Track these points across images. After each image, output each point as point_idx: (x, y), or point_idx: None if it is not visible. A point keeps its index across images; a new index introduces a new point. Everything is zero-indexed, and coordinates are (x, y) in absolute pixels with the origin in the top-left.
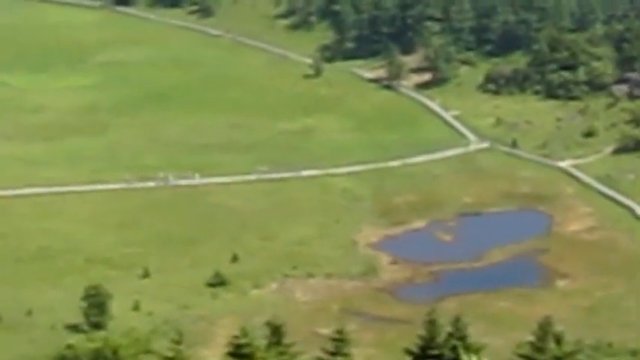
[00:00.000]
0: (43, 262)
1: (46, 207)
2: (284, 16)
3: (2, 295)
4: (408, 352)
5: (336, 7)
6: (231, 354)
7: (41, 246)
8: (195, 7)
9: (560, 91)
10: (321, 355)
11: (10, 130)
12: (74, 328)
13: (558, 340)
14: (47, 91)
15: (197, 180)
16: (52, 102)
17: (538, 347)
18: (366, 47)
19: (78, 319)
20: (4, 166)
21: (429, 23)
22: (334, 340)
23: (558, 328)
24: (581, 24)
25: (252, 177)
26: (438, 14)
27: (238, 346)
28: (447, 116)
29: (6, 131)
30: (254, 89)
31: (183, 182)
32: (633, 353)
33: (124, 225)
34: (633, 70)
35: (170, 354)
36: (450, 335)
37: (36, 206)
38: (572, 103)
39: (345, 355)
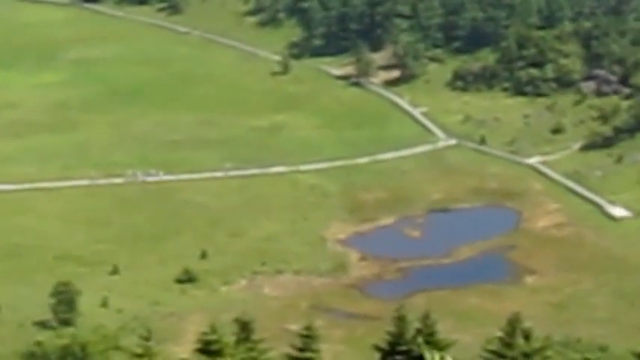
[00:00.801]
0: (12, 260)
1: (16, 204)
2: (252, 13)
3: None
4: (377, 348)
5: (304, 5)
6: (200, 350)
7: (10, 243)
8: (163, 5)
9: (528, 88)
10: (290, 351)
11: None
12: (43, 325)
13: (527, 336)
14: (17, 88)
15: (165, 177)
16: (21, 99)
17: (507, 343)
18: (334, 44)
19: (47, 315)
20: None
21: (397, 20)
22: (303, 336)
23: (527, 324)
24: (549, 21)
25: (221, 174)
26: (406, 11)
27: (207, 343)
28: (416, 113)
29: None
30: (223, 86)
31: (153, 179)
32: (602, 349)
33: (93, 222)
34: (601, 67)
35: (139, 350)
36: (419, 331)
37: (5, 203)
38: (540, 100)
39: (314, 351)
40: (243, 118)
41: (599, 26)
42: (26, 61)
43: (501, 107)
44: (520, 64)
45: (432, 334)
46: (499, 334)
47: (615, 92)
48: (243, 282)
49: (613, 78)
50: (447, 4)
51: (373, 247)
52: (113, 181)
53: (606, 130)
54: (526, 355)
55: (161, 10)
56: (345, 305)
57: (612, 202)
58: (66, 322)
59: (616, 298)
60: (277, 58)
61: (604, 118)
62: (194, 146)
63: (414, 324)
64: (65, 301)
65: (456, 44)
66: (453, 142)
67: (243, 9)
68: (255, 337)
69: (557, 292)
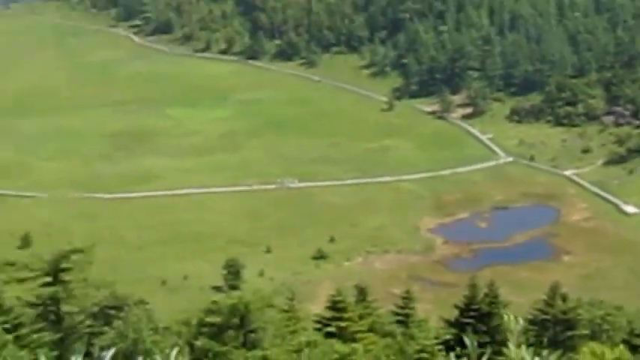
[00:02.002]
0: (196, 243)
1: (198, 204)
2: (367, 67)
3: (167, 266)
4: (456, 307)
5: (404, 60)
6: (329, 308)
7: (195, 231)
8: (303, 61)
9: (565, 121)
10: (394, 308)
11: (172, 149)
12: (217, 289)
13: (564, 299)
14: (199, 121)
15: (301, 184)
16: (202, 128)
17: (549, 304)
18: (425, 89)
19: (220, 282)
20: (168, 175)
21: (470, 72)
22: (403, 298)
23: (563, 290)
24: (580, 72)
25: (344, 182)
26: (476, 65)
27: (335, 302)
28: (484, 139)
29: (168, 150)
30: (345, 120)
31: (294, 186)
32: (618, 308)
33: (252, 216)
34: (618, 105)
35: (286, 307)
36: (486, 295)
37: (190, 203)
38: (574, 129)
39: (411, 309)
40: (360, 142)
41: (617, 76)
42: (205, 101)
43: (545, 134)
44: (559, 103)
45: (495, 297)
46: (543, 297)
47: (628, 124)
48: (360, 259)
49: (627, 113)
50: (506, 59)
51: (453, 234)
52: (266, 187)
53: (622, 150)
54: (563, 312)
55: (302, 64)
56: (433, 276)
57: (626, 203)
58: (234, 287)
59: (629, 273)
60: (385, 99)
61: (620, 142)
62: (324, 162)
63: (482, 290)
64: (233, 272)
65: (513, 89)
66: (510, 159)
67: (360, 64)
68: (368, 298)
69: (585, 267)
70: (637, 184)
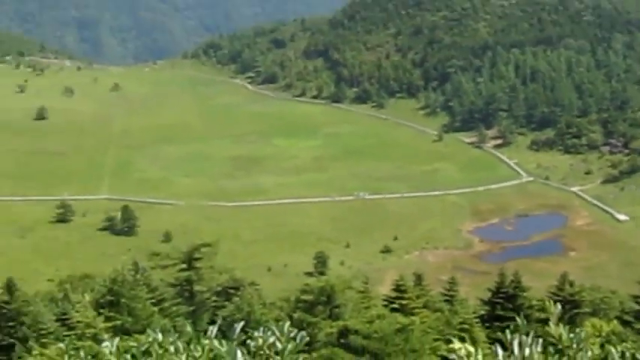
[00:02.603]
0: (294, 240)
1: (295, 210)
2: (422, 108)
3: (271, 257)
4: (489, 290)
5: (450, 104)
6: (394, 289)
7: (292, 231)
8: (374, 104)
9: (572, 150)
10: (443, 291)
11: (276, 170)
12: (309, 275)
13: (571, 284)
14: (296, 148)
15: (369, 196)
16: (298, 154)
17: (560, 288)
18: (466, 125)
19: (311, 269)
20: (273, 189)
21: (500, 112)
22: (449, 282)
23: (571, 278)
24: (584, 113)
25: (405, 195)
26: (505, 107)
27: (398, 285)
28: (511, 163)
29: (274, 170)
30: (406, 148)
31: (366, 197)
32: (613, 292)
33: (335, 220)
34: (613, 138)
35: (362, 289)
36: (512, 281)
37: (289, 210)
38: (579, 156)
39: (455, 291)
40: (416, 165)
41: (612, 116)
42: (301, 134)
43: (557, 160)
44: (567, 136)
45: (519, 282)
46: (555, 283)
47: (620, 152)
48: (416, 253)
49: (619, 144)
50: (527, 103)
51: (486, 235)
52: (346, 199)
53: (615, 172)
54: (570, 295)
55: (373, 106)
56: (472, 266)
57: (619, 212)
58: (321, 273)
59: (622, 265)
60: (435, 133)
61: (614, 166)
62: (390, 180)
63: (508, 277)
64: (321, 261)
65: (532, 125)
66: (530, 178)
67: (417, 106)
68: (423, 283)
69: (587, 261)
70: (627, 198)
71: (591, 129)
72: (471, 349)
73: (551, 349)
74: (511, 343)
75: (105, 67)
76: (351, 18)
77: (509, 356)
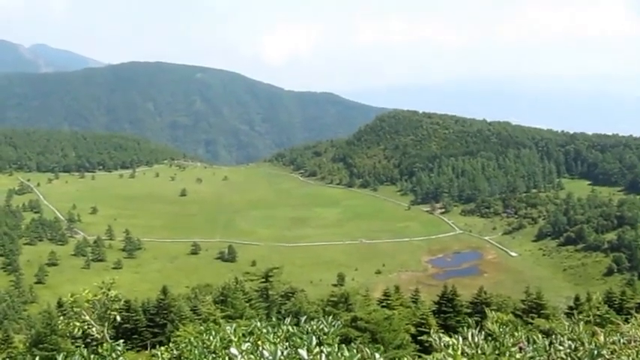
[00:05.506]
0: (325, 266)
1: (325, 248)
2: (399, 191)
3: (312, 275)
4: (438, 295)
5: (415, 188)
6: (383, 295)
7: (324, 260)
8: (372, 188)
9: (485, 215)
10: (411, 296)
11: (315, 225)
12: (334, 286)
13: (484, 293)
14: (326, 213)
15: (368, 241)
16: (327, 216)
17: (478, 295)
18: (424, 201)
19: (335, 283)
20: (314, 235)
21: (445, 193)
22: (414, 291)
23: (484, 289)
24: (491, 194)
25: (388, 240)
26: (447, 191)
27: (385, 292)
28: (450, 223)
29: (313, 225)
30: (389, 213)
31: (366, 241)
32: (509, 297)
33: (348, 254)
34: (508, 208)
35: (364, 294)
36: (450, 291)
37: (322, 248)
38: (488, 219)
39: (418, 296)
40: (394, 223)
41: (507, 196)
42: (326, 205)
43: (476, 221)
44: (482, 207)
45: (454, 291)
46: (476, 292)
47: (512, 217)
48: (396, 274)
49: (512, 212)
50: (459, 188)
51: (436, 263)
52: (354, 242)
53: (509, 228)
54: (484, 298)
55: (371, 189)
56: (428, 281)
57: (512, 251)
58: (341, 285)
59: (514, 282)
60: (406, 205)
61: (509, 225)
62: (379, 231)
63: (449, 288)
64: (341, 278)
65: (462, 201)
66: (461, 232)
67: (396, 190)
68: (400, 291)
69: (494, 279)
70: (516, 243)
71: (495, 203)
72: (454, 340)
73: (489, 337)
74: (466, 336)
75: (219, 167)
76: (359, 139)
77: (465, 343)
